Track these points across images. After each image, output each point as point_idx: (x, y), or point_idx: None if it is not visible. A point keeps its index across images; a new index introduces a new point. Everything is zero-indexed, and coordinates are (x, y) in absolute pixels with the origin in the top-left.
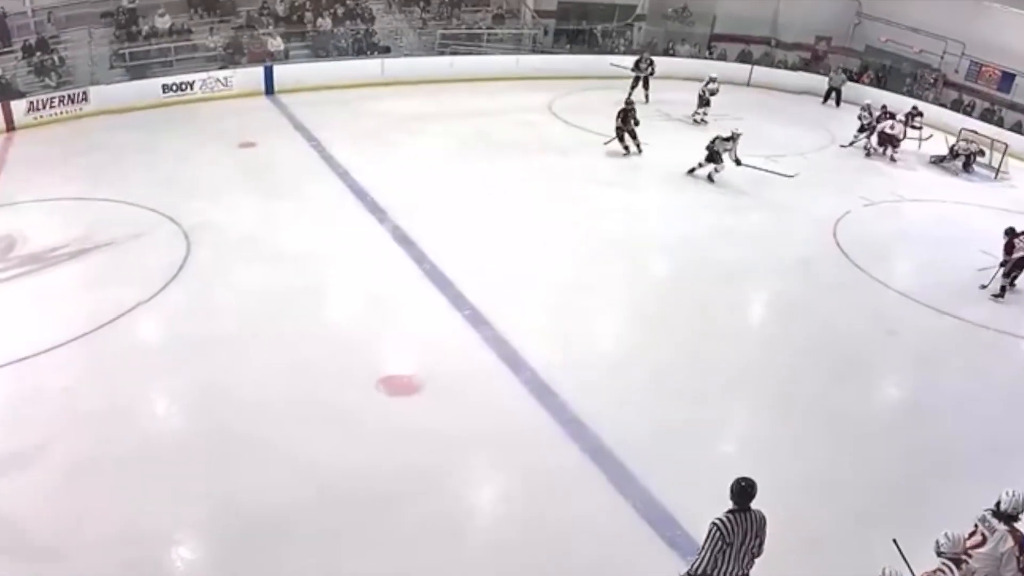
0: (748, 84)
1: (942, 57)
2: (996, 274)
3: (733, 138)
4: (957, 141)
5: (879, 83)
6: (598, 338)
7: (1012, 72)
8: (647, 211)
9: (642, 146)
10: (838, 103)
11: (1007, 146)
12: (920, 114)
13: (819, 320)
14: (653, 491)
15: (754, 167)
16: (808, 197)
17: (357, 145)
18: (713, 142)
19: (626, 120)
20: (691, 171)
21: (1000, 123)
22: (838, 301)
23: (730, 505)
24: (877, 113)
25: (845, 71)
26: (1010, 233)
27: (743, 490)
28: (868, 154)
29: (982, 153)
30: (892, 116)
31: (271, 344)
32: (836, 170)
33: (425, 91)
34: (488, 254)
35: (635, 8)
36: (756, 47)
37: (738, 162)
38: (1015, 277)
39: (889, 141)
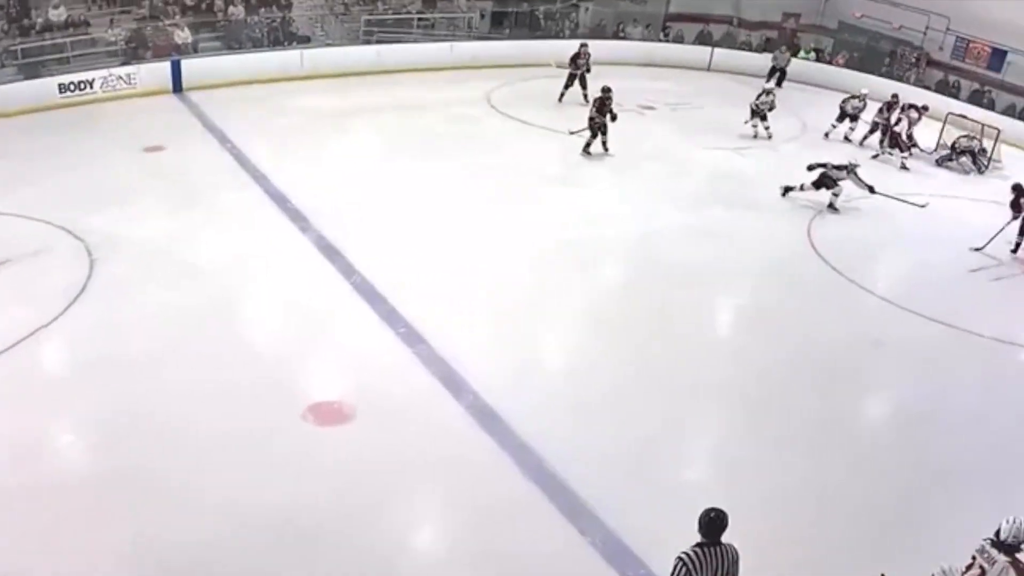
0: (708, 69)
1: (925, 33)
2: (994, 236)
3: (849, 168)
4: (943, 127)
5: (857, 64)
6: (548, 354)
7: (1003, 49)
8: (600, 210)
9: (608, 146)
10: (779, 83)
11: (999, 132)
12: (925, 108)
13: (795, 329)
14: (612, 524)
15: (886, 196)
16: (777, 194)
17: (276, 146)
18: (824, 167)
19: (602, 110)
20: (787, 191)
21: (991, 106)
22: (815, 308)
23: (698, 538)
24: (883, 105)
25: (817, 51)
26: (1017, 190)
27: (712, 522)
28: (876, 155)
29: (983, 151)
30: (903, 107)
31: (186, 369)
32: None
33: (350, 84)
34: (424, 264)
35: None
36: (716, 27)
37: (871, 189)
38: None
39: (896, 141)
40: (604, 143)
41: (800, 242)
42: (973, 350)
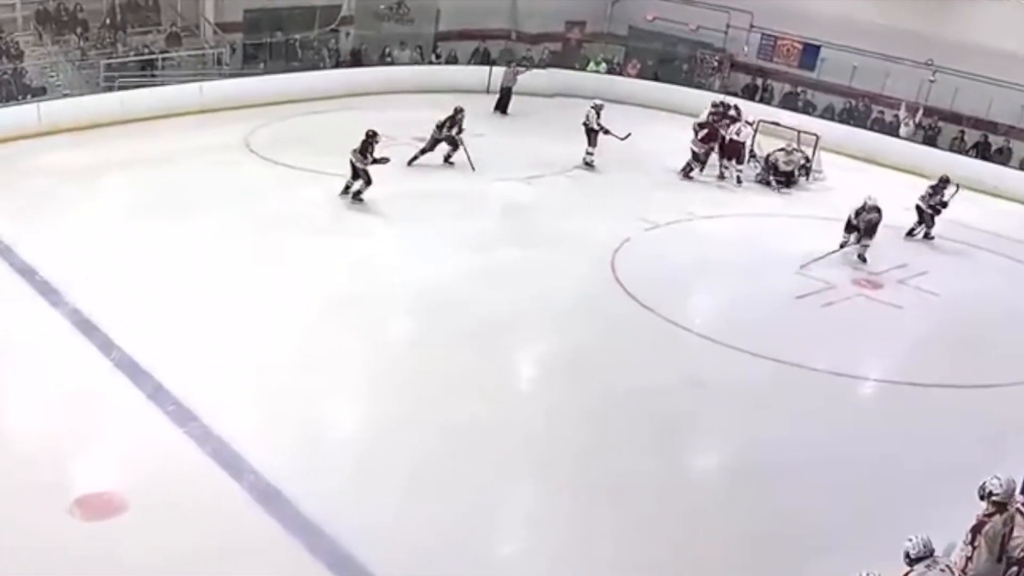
0: (488, 91)
1: (726, 33)
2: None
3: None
4: (755, 137)
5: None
6: (336, 425)
7: (815, 43)
8: (379, 260)
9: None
10: (504, 108)
11: (818, 138)
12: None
13: (608, 377)
14: None
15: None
16: (577, 225)
17: (17, 212)
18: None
19: (454, 125)
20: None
21: (807, 109)
22: (627, 351)
23: None
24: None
25: (607, 61)
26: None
27: None
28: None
29: (805, 164)
30: (735, 118)
31: None
32: (609, 187)
33: (95, 137)
34: (189, 333)
35: (339, 10)
36: (494, 43)
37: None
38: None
39: (735, 152)
40: (469, 159)
41: (604, 278)
42: (807, 386)
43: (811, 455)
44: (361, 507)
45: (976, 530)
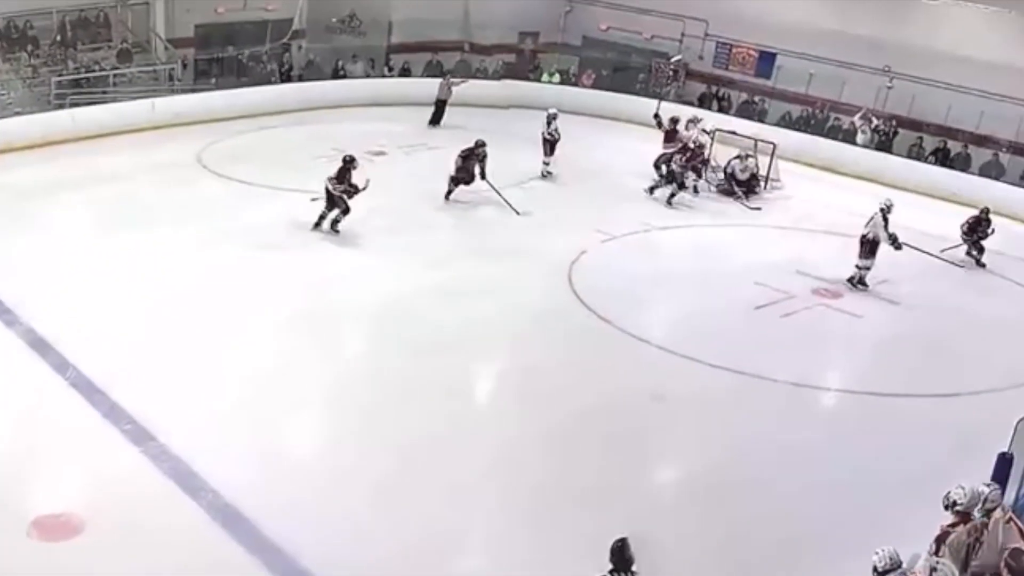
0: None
1: (681, 41)
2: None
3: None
4: (712, 147)
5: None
6: (293, 442)
7: (771, 51)
8: (335, 275)
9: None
10: (438, 120)
11: (775, 147)
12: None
13: (568, 390)
14: None
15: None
16: (533, 237)
17: None
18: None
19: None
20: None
21: (762, 117)
22: (587, 364)
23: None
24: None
25: (561, 72)
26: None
27: (619, 551)
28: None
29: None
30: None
31: None
32: (565, 198)
33: (47, 154)
34: (145, 351)
35: (291, 23)
36: (447, 55)
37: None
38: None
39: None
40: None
41: (562, 291)
42: (768, 397)
43: (774, 467)
44: (320, 524)
45: (940, 540)
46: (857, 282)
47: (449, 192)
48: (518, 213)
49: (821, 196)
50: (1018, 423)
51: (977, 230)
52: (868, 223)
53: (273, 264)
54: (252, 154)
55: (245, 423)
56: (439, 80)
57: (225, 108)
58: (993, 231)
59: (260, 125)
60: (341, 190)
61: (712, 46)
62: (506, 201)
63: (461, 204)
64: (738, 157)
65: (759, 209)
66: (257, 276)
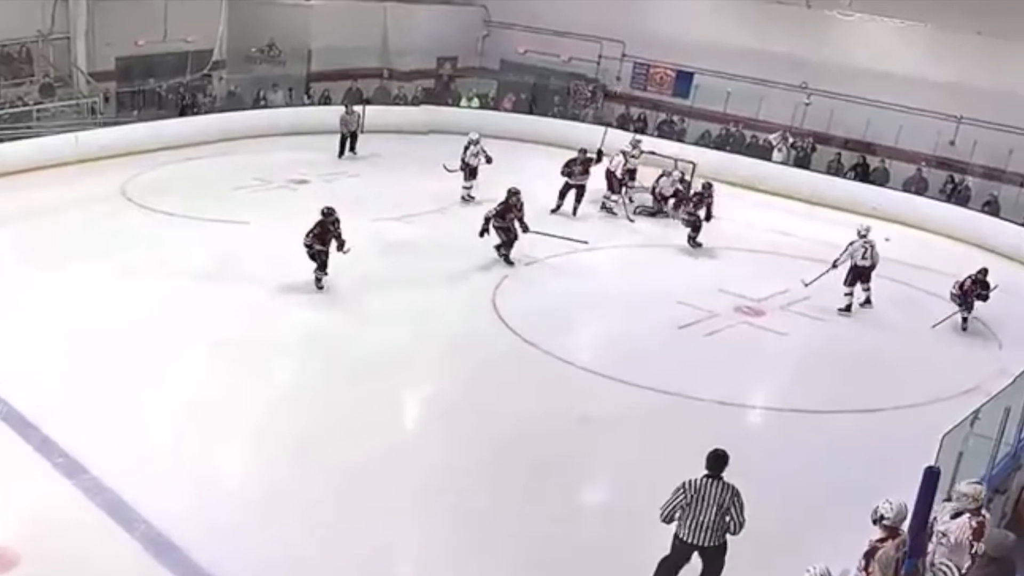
0: (362, 130)
1: (599, 63)
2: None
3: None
4: (624, 164)
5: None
6: (224, 471)
7: (689, 70)
8: (261, 304)
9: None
10: (352, 148)
11: (695, 165)
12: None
13: (494, 415)
14: None
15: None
16: (456, 262)
17: None
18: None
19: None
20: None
21: (681, 137)
22: (513, 388)
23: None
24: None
25: (480, 97)
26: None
27: (716, 458)
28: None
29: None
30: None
31: None
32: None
33: None
34: (76, 384)
35: (211, 54)
36: (366, 82)
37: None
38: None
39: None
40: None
41: (486, 316)
42: (694, 416)
43: None
44: (251, 551)
45: (869, 555)
46: (862, 304)
47: (483, 231)
48: (585, 243)
49: (742, 214)
50: (944, 437)
51: (971, 293)
52: (865, 253)
53: (199, 294)
54: (176, 185)
55: (177, 452)
56: (341, 114)
57: (148, 140)
58: (990, 292)
59: (183, 156)
60: (328, 248)
61: (629, 67)
62: (566, 238)
63: (384, 232)
64: (662, 176)
65: (701, 245)
66: (184, 306)
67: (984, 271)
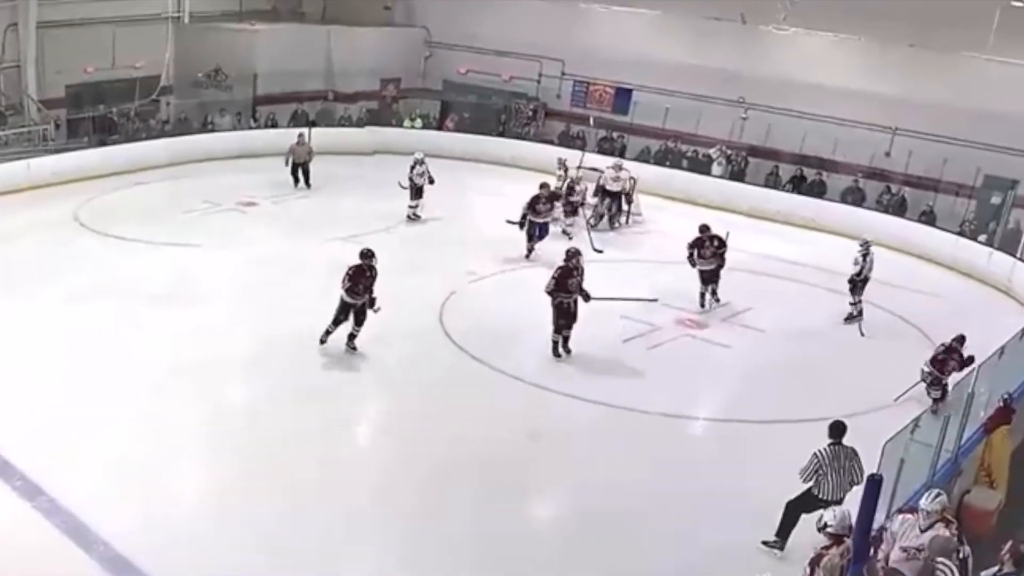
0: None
1: (539, 82)
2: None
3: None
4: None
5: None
6: (178, 492)
7: (628, 87)
8: (212, 326)
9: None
10: (307, 182)
11: (635, 180)
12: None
13: (444, 432)
14: None
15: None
16: (403, 281)
17: None
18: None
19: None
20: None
21: (622, 152)
22: (462, 405)
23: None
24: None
25: (423, 117)
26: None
27: (836, 425)
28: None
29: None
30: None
31: None
32: (433, 240)
33: None
34: (32, 408)
35: (159, 80)
36: (311, 104)
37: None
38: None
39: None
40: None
41: (433, 333)
42: (640, 429)
43: (649, 497)
44: (206, 569)
45: (815, 563)
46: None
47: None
48: (655, 300)
49: (681, 228)
50: (885, 445)
51: (948, 365)
52: (864, 266)
53: (153, 317)
54: (127, 209)
55: (132, 474)
56: (292, 144)
57: (99, 165)
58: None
59: (133, 181)
60: (362, 302)
61: (569, 85)
62: (635, 299)
63: (332, 249)
64: (611, 167)
65: (602, 252)
66: (136, 328)
67: (961, 338)
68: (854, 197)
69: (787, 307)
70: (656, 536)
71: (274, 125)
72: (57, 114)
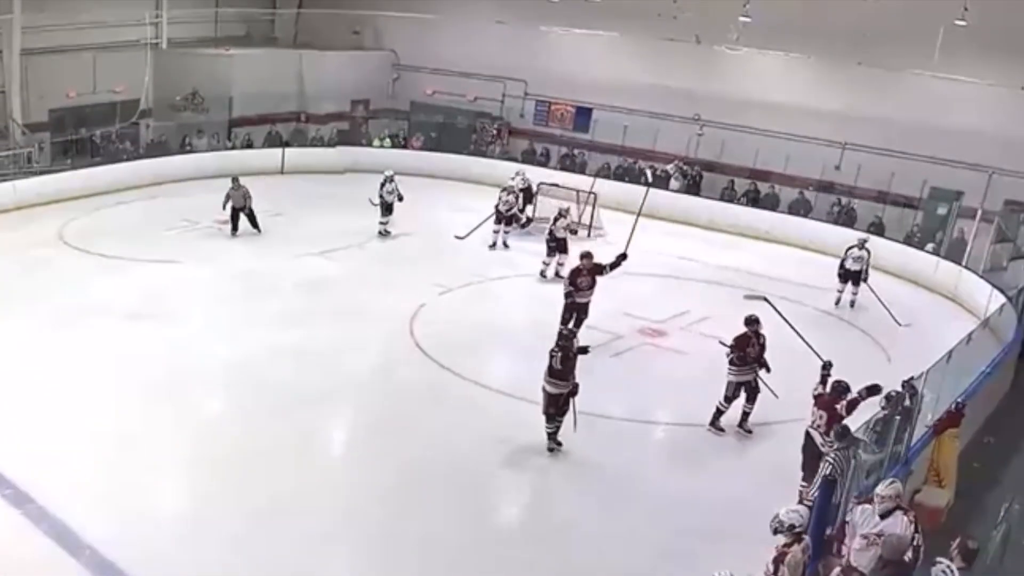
0: (282, 171)
1: (502, 102)
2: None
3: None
4: (536, 200)
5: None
6: (161, 500)
7: (587, 106)
8: (191, 341)
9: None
10: (252, 224)
11: (596, 196)
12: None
13: (414, 442)
14: None
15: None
16: (374, 294)
17: None
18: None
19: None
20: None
21: (583, 169)
22: (432, 414)
23: None
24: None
25: (392, 137)
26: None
27: (843, 429)
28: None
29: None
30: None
31: None
32: (402, 255)
33: None
34: (20, 420)
35: (138, 103)
36: (285, 126)
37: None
38: None
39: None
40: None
41: (404, 345)
42: (605, 434)
43: (611, 501)
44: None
45: (778, 561)
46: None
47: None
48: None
49: (641, 241)
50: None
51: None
52: (859, 261)
53: (134, 332)
54: (109, 229)
55: (117, 483)
56: (228, 189)
57: (82, 187)
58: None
59: (115, 200)
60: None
61: (532, 105)
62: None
63: (305, 264)
64: (559, 216)
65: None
66: (120, 342)
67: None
68: (802, 208)
69: (741, 315)
70: (610, 540)
71: (250, 146)
72: (41, 137)
